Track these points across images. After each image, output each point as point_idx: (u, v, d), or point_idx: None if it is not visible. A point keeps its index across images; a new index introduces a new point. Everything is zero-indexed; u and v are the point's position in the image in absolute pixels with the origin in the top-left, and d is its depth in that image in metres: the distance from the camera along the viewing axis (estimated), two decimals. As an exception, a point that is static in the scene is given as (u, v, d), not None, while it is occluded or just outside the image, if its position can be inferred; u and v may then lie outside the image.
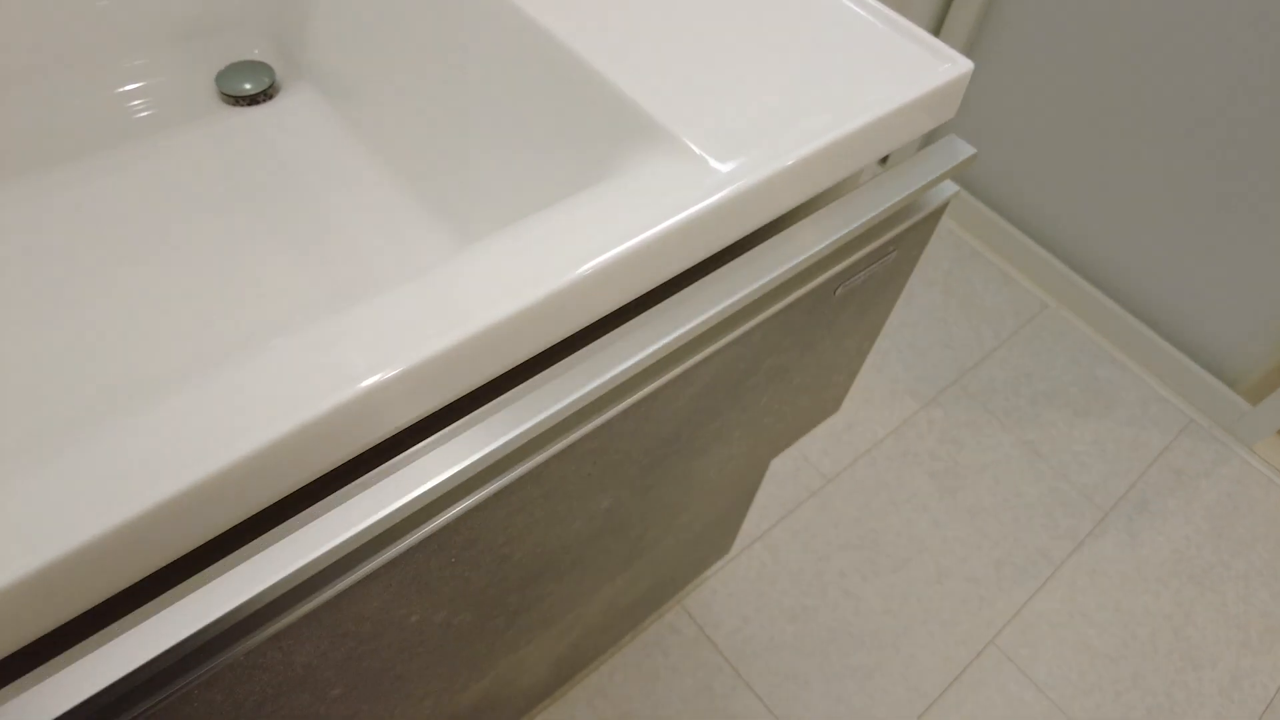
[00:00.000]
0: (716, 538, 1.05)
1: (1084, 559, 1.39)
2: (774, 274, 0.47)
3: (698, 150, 0.43)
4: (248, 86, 0.69)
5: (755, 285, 0.47)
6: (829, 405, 0.74)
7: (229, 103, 0.69)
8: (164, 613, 0.33)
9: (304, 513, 0.36)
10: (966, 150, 0.57)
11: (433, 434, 0.39)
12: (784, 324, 0.53)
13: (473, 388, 0.38)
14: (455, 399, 0.39)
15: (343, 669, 0.44)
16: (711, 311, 0.45)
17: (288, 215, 0.63)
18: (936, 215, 0.59)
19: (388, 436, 0.36)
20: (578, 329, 0.41)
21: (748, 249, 0.50)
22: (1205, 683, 1.30)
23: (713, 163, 0.43)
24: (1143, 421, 1.55)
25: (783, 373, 0.59)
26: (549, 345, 0.40)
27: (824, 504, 1.38)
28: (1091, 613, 1.34)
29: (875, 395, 1.52)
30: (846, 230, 0.50)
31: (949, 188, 0.59)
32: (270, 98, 0.70)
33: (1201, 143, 1.40)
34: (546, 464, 0.43)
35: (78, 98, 0.63)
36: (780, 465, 1.41)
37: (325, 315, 0.36)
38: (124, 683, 0.32)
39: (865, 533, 1.36)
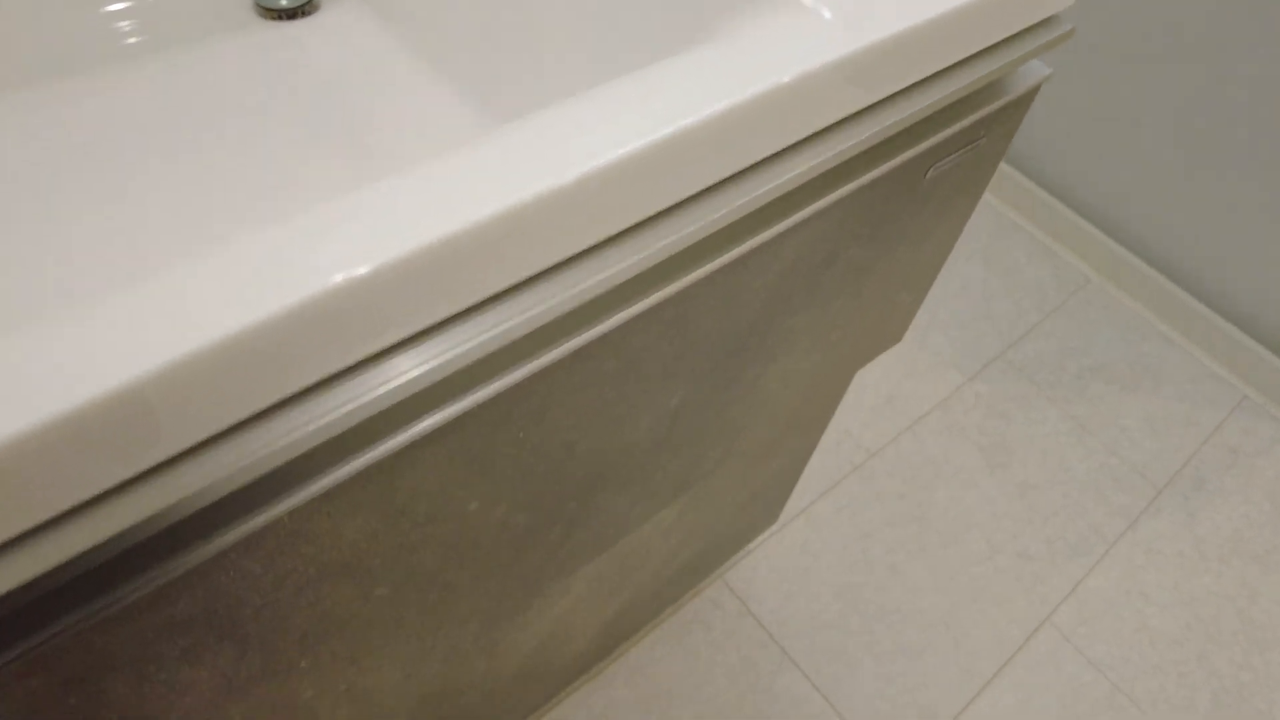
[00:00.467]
0: (767, 502, 1.00)
1: (1139, 536, 1.32)
2: (866, 134, 0.43)
3: (825, 10, 0.39)
4: (284, 1, 0.65)
5: (848, 144, 0.42)
6: (893, 331, 0.70)
7: (266, 16, 0.65)
8: (201, 454, 0.29)
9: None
10: (1060, 26, 0.53)
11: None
12: (869, 205, 0.48)
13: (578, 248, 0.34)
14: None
15: (392, 562, 0.39)
16: (801, 169, 0.41)
17: (328, 128, 0.59)
18: (1028, 98, 0.54)
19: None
20: (687, 195, 0.36)
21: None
22: (1274, 666, 1.23)
23: (831, 16, 0.39)
24: (1194, 398, 1.49)
25: (858, 272, 0.54)
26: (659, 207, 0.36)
27: (867, 478, 1.32)
28: (1150, 592, 1.27)
29: (917, 368, 1.46)
30: (941, 95, 0.46)
31: (1040, 69, 0.55)
32: (308, 14, 0.66)
33: (1252, 107, 1.35)
34: (625, 329, 0.39)
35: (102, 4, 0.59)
36: (822, 438, 1.36)
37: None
38: (145, 526, 0.27)
39: (911, 508, 1.31)
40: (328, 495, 0.32)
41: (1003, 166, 1.68)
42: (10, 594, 0.25)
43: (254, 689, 0.38)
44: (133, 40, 0.60)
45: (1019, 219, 1.70)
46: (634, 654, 1.12)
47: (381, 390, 0.30)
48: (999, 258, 1.63)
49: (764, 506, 1.02)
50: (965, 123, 0.50)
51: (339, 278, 0.27)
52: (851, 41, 0.39)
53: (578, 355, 0.38)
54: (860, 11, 0.40)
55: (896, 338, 0.72)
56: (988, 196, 1.73)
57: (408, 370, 0.31)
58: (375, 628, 0.43)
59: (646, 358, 0.42)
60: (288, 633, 0.36)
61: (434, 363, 0.31)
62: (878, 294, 0.61)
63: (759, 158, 0.39)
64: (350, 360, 0.30)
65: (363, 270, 0.27)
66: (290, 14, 0.65)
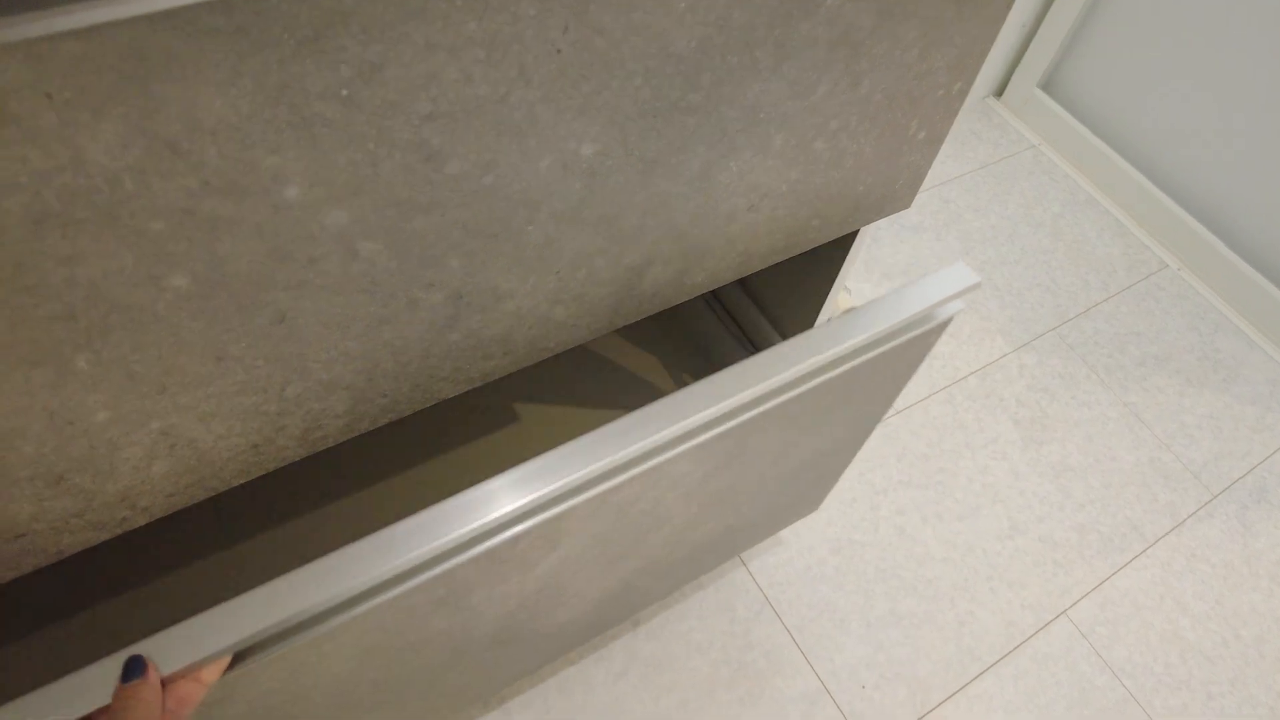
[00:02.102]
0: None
1: (1183, 540, 1.19)
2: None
3: None
4: None
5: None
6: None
7: None
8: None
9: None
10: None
11: None
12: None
13: None
14: None
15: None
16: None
17: None
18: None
19: None
20: None
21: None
22: (1320, 699, 1.10)
23: None
24: (1269, 401, 1.34)
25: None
26: None
27: (890, 435, 1.22)
28: (1187, 601, 1.15)
29: (961, 329, 1.35)
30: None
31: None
32: None
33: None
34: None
35: None
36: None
37: None
38: None
39: (933, 471, 1.20)
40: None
41: (1085, 135, 1.54)
42: None
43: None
44: None
45: (1096, 193, 1.56)
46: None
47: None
48: (1068, 230, 1.50)
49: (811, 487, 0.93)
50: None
51: None
52: None
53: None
54: None
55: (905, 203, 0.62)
56: (1065, 166, 1.59)
57: None
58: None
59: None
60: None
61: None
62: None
63: None
64: None
65: None
66: None
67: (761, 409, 0.54)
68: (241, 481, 0.43)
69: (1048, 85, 1.61)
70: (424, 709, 0.71)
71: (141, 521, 0.42)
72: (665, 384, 0.89)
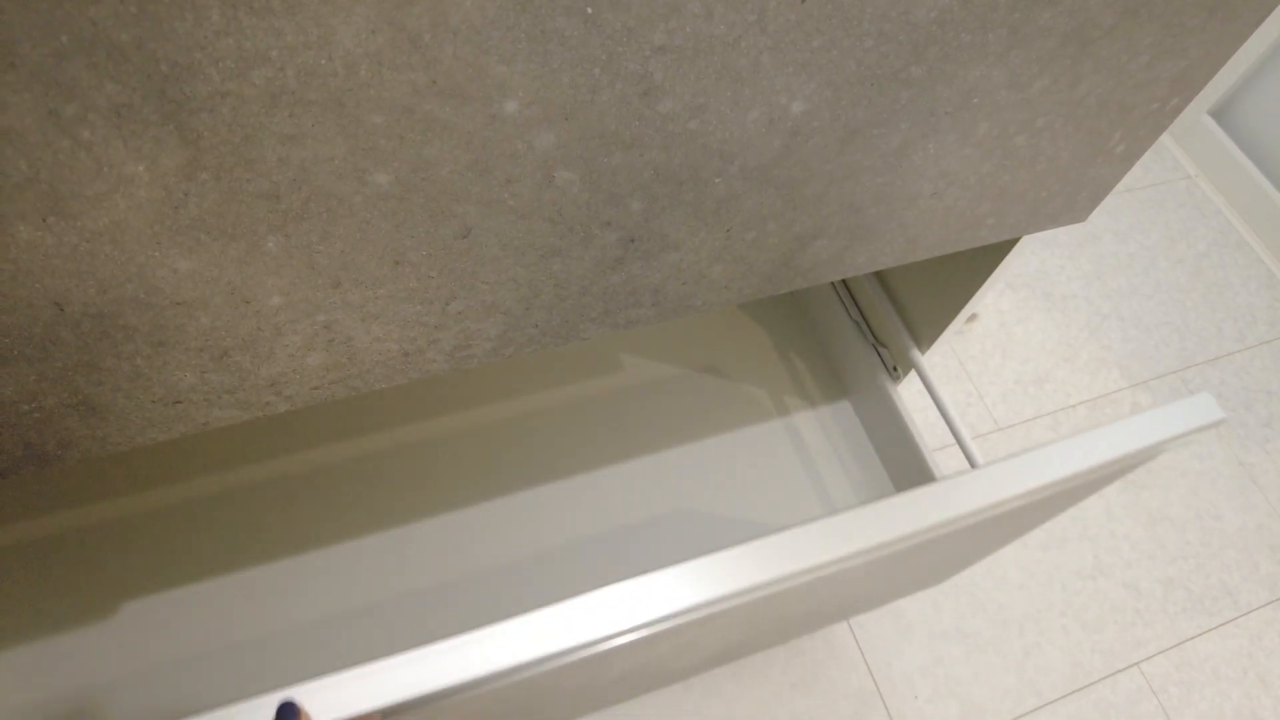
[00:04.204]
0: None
1: (1279, 617, 1.13)
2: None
3: None
4: None
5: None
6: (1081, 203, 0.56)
7: None
8: None
9: None
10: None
11: None
12: None
13: None
14: None
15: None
16: None
17: None
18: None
19: None
20: None
21: None
22: (1396, 806, 1.04)
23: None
24: (1400, 489, 1.25)
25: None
26: None
27: (988, 451, 1.18)
28: (1272, 681, 1.09)
29: (1079, 356, 1.29)
30: None
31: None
32: None
33: None
34: None
35: None
36: (953, 393, 1.22)
37: None
38: None
39: (1022, 496, 1.16)
40: None
41: (1250, 171, 1.45)
42: None
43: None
44: None
45: (1250, 235, 1.47)
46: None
47: None
48: (1211, 271, 1.42)
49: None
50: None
51: None
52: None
53: None
54: None
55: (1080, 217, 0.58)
56: (1220, 202, 1.50)
57: None
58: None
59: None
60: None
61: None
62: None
63: None
64: None
65: None
66: None
67: (950, 530, 0.51)
68: (383, 386, 0.43)
69: (1219, 113, 1.51)
70: None
71: (282, 409, 0.43)
72: (771, 359, 0.87)
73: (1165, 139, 1.57)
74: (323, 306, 0.36)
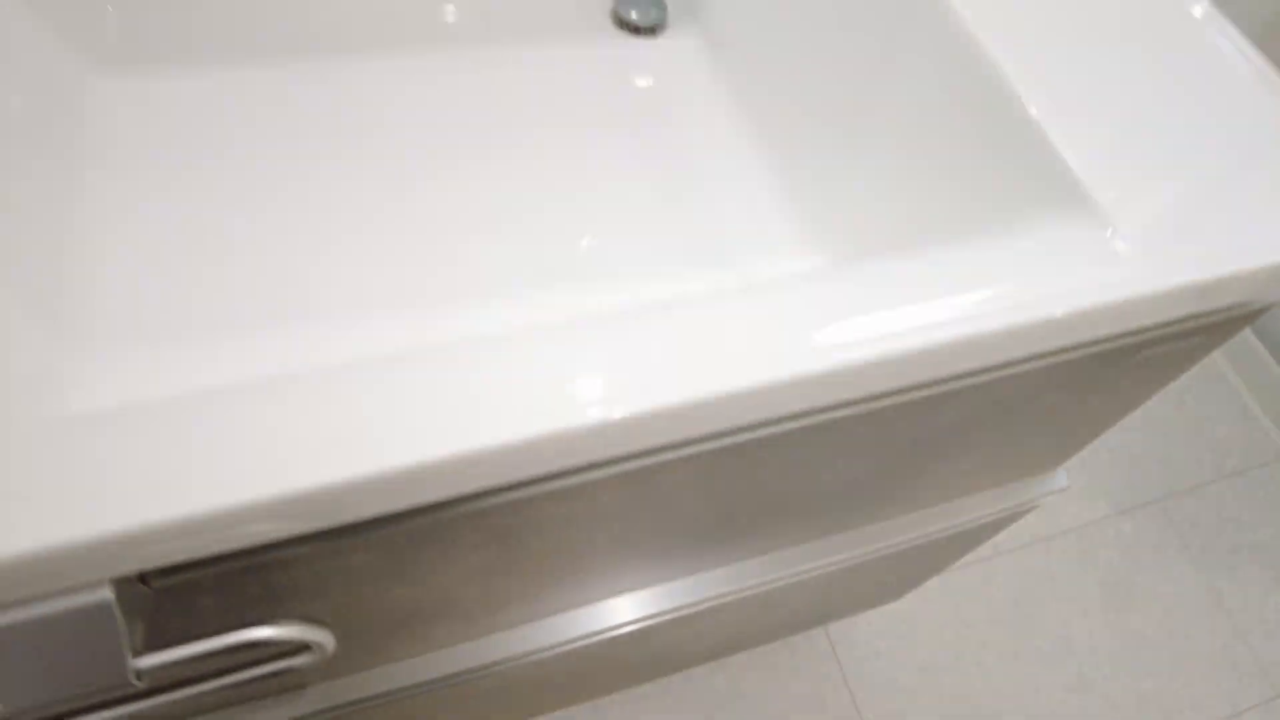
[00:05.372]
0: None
1: (1237, 728, 1.31)
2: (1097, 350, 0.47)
3: (1119, 239, 0.43)
4: (634, 15, 0.72)
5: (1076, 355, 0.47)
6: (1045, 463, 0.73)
7: (619, 27, 0.72)
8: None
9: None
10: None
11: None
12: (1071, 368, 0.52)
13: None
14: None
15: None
16: (1031, 368, 0.46)
17: (644, 154, 0.66)
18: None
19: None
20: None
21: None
22: None
23: (1124, 247, 0.43)
24: (1351, 614, 1.43)
25: (1047, 411, 0.59)
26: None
27: (988, 574, 1.36)
28: (1227, 783, 1.26)
29: (1070, 486, 1.46)
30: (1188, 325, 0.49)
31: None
32: (654, 33, 0.73)
33: None
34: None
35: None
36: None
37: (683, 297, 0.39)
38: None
39: (1019, 615, 1.33)
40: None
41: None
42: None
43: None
44: (467, 26, 0.67)
45: (1228, 369, 1.64)
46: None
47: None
48: (1193, 404, 1.59)
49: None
50: (1194, 339, 0.54)
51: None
52: (1140, 283, 0.43)
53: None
54: (1158, 248, 0.44)
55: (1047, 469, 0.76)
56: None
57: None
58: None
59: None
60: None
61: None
62: (1047, 432, 0.65)
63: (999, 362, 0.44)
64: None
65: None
66: (636, 29, 0.72)
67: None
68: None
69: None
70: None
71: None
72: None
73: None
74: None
